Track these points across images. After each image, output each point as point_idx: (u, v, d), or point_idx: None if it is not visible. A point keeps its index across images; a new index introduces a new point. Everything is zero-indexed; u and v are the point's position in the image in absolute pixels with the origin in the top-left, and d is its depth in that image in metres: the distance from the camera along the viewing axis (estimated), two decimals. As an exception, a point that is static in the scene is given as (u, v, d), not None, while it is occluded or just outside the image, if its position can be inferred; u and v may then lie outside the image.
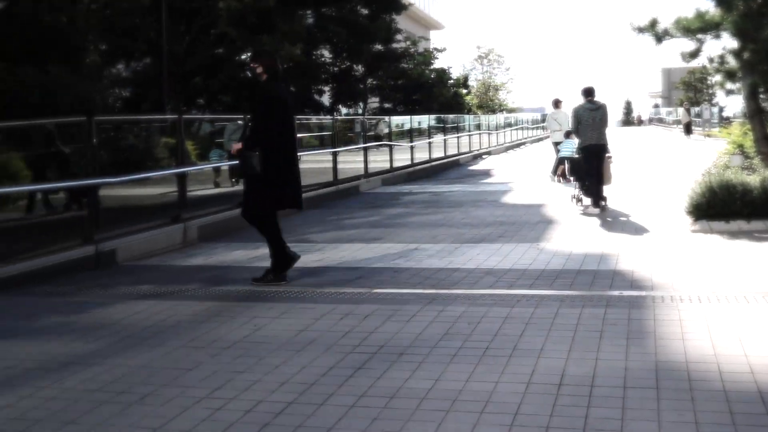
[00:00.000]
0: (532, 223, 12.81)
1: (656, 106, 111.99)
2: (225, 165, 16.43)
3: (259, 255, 10.47)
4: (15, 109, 13.03)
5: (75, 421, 4.67)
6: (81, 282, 9.02)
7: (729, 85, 16.69)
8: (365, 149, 21.02)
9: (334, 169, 18.55)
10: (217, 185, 18.13)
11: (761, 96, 17.09)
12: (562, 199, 15.79)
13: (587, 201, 14.34)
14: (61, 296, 8.31)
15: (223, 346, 6.06)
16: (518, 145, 46.06)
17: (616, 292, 7.50)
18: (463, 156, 31.60)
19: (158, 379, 5.34)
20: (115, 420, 4.67)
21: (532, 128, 57.77)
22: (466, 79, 55.69)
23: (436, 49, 44.50)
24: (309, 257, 10.14)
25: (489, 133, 39.79)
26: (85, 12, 14.74)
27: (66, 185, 13.09)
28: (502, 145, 41.64)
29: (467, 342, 5.92)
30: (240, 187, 15.35)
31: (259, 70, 8.33)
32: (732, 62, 15.86)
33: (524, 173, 24.61)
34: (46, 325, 7.04)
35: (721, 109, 56.02)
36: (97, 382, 5.34)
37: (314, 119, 31.25)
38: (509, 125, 49.17)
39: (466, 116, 39.66)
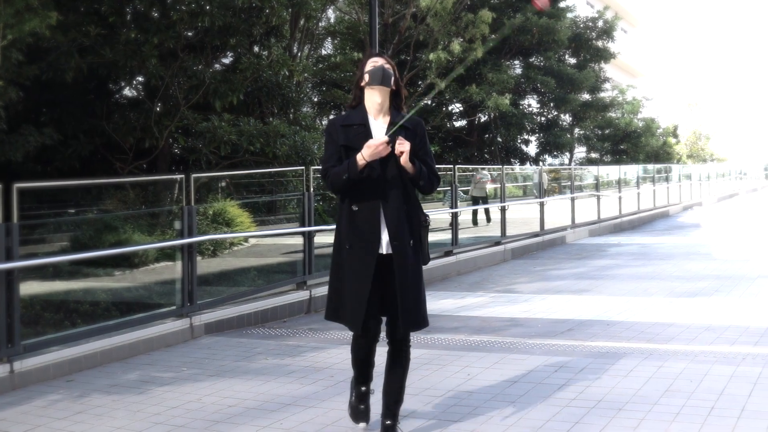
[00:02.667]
0: (750, 277, 12.17)
1: None
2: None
3: (467, 304, 10.49)
4: (237, 157, 13.72)
5: (295, 462, 4.78)
6: (293, 326, 9.29)
7: None
8: (572, 199, 20.72)
9: (541, 219, 18.38)
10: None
11: None
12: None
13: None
14: (275, 339, 8.57)
15: (436, 394, 6.06)
16: (731, 196, 44.23)
17: None
18: (672, 207, 30.62)
19: (374, 425, 5.38)
20: (333, 463, 4.74)
21: (746, 178, 55.43)
22: (675, 128, 54.11)
23: (645, 98, 43.49)
24: (516, 308, 10.07)
25: (700, 183, 38.48)
26: (301, 66, 15.37)
27: (281, 232, 13.62)
28: (713, 195, 40.17)
29: (690, 401, 5.66)
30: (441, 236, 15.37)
31: None
32: None
33: (738, 225, 23.54)
34: (263, 366, 7.27)
35: None
36: (314, 425, 5.46)
37: (518, 169, 31.19)
38: (721, 175, 47.34)
39: (675, 166, 38.46)
